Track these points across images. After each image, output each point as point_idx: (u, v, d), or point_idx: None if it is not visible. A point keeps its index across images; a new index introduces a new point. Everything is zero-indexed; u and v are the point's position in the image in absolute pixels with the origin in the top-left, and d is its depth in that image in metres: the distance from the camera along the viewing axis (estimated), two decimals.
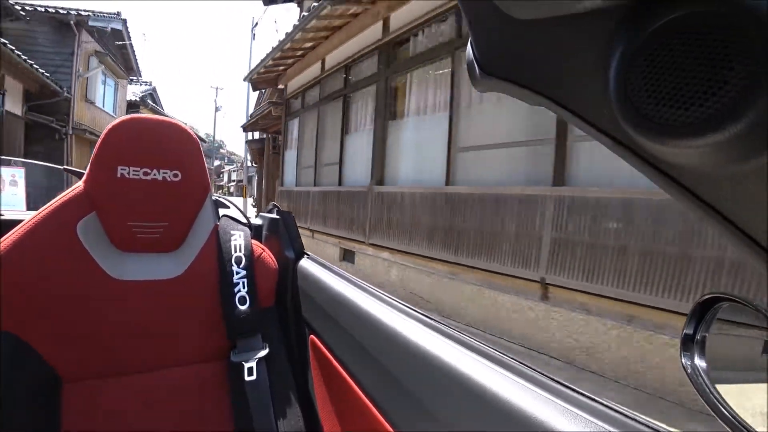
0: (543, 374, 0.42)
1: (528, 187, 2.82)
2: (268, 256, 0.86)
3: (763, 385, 0.29)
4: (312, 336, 0.80)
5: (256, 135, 12.93)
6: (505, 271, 2.91)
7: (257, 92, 11.23)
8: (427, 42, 3.97)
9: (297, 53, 6.16)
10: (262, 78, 7.68)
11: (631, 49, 0.20)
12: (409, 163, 4.20)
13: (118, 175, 0.70)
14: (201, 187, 0.79)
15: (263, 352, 0.77)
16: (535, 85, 0.27)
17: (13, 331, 0.65)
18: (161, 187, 0.73)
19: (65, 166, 1.08)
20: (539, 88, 0.27)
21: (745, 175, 0.19)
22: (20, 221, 0.70)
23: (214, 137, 39.46)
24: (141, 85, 16.44)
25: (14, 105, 7.72)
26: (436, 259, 3.57)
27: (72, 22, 9.51)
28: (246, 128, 11.77)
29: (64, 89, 8.84)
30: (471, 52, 0.31)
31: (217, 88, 31.43)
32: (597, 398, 0.37)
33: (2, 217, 0.88)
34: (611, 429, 0.33)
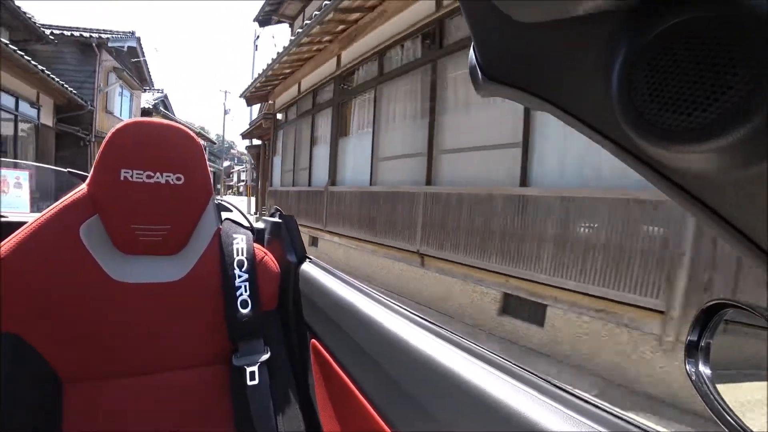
0: (541, 378, 0.42)
1: (412, 186, 4.05)
2: (270, 260, 0.85)
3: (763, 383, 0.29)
4: (313, 340, 0.80)
5: (256, 141, 14.31)
6: (399, 246, 4.13)
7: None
8: (365, 75, 5.21)
9: (280, 76, 7.45)
10: (254, 95, 9.00)
11: (634, 53, 0.19)
12: (350, 169, 5.46)
13: (122, 178, 0.70)
14: (204, 191, 0.78)
15: (265, 356, 0.77)
16: (537, 90, 0.27)
17: (16, 331, 0.65)
18: (164, 190, 0.72)
19: (69, 169, 1.18)
20: (542, 92, 0.27)
21: (748, 180, 0.18)
22: (24, 223, 0.70)
23: (223, 138, 40.93)
24: (153, 93, 17.94)
25: (47, 117, 9.15)
26: (364, 240, 4.80)
27: (94, 44, 10.92)
28: (245, 136, 13.13)
29: (88, 102, 10.23)
30: (473, 56, 0.31)
31: (225, 92, 32.95)
32: (596, 402, 0.37)
33: (6, 219, 0.89)
34: (604, 430, 0.33)
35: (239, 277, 0.78)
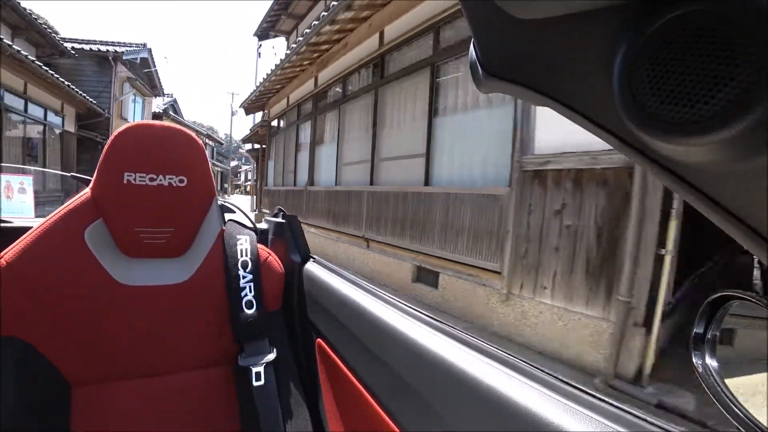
0: (550, 374, 0.42)
1: (360, 186, 5.10)
2: (274, 260, 0.85)
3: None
4: (319, 339, 0.80)
5: (257, 145, 15.49)
6: (352, 233, 5.18)
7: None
8: (333, 95, 6.27)
9: (272, 90, 8.54)
10: (252, 106, 10.11)
11: (635, 47, 0.19)
12: (323, 172, 6.52)
13: (125, 181, 0.70)
14: (207, 192, 0.78)
15: (270, 356, 0.77)
16: (538, 86, 0.27)
17: (22, 336, 0.65)
18: (167, 193, 0.72)
19: (72, 173, 1.15)
20: (543, 88, 0.27)
21: (751, 172, 0.18)
22: (29, 228, 0.71)
23: (230, 139, 42.19)
24: (163, 98, 19.22)
25: (69, 125, 10.36)
26: (330, 229, 5.87)
27: (110, 57, 12.13)
28: (245, 141, 14.30)
29: (105, 110, 11.42)
30: (473, 53, 0.31)
31: (233, 94, 34.26)
32: (605, 398, 0.37)
33: (11, 225, 0.89)
34: (619, 428, 0.33)
35: (243, 277, 0.78)
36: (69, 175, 1.19)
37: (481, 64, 0.30)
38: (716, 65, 0.17)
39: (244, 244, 0.81)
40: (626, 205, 2.23)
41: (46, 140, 9.29)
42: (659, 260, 2.17)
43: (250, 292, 0.78)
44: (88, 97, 10.29)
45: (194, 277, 0.77)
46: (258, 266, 0.80)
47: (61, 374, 0.68)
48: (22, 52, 6.95)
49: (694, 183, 0.21)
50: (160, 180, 0.72)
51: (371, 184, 4.91)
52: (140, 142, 0.71)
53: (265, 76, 7.80)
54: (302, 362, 0.87)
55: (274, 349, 0.79)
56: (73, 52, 10.81)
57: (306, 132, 7.37)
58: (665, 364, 2.50)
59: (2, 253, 0.66)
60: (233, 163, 41.29)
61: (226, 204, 0.91)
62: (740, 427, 0.28)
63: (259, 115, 14.73)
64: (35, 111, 8.76)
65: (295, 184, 7.84)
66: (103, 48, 12.09)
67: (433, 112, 3.90)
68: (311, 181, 6.89)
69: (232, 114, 34.38)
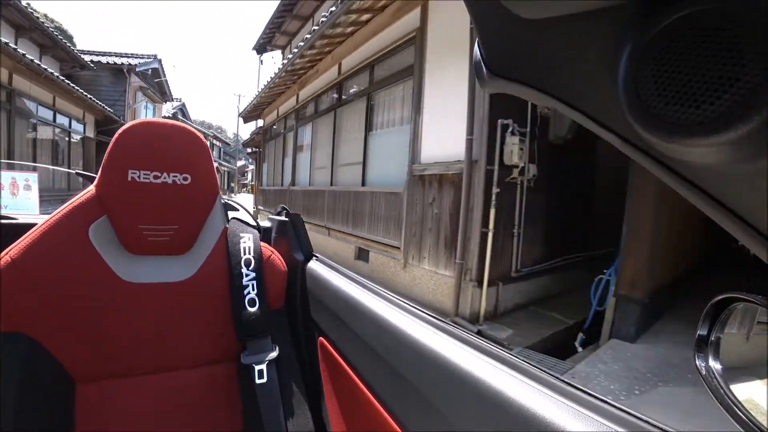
0: (553, 375, 0.41)
1: (324, 186, 6.29)
2: (277, 258, 0.85)
3: None
4: (321, 337, 0.80)
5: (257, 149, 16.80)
6: (318, 223, 6.35)
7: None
8: (309, 111, 7.47)
9: (265, 103, 9.77)
10: (250, 115, 11.37)
11: (640, 47, 0.19)
12: (302, 175, 7.72)
13: (129, 179, 0.70)
14: (210, 190, 0.78)
15: (273, 354, 0.77)
16: (543, 86, 0.27)
17: (27, 332, 0.66)
18: (171, 190, 0.73)
19: (77, 171, 1.11)
20: (547, 88, 0.26)
21: (757, 173, 0.18)
22: (34, 225, 0.70)
23: (237, 139, 43.57)
24: (172, 103, 20.64)
25: (90, 130, 11.71)
26: (305, 222, 7.06)
27: (124, 69, 13.49)
28: (245, 145, 15.58)
29: (120, 117, 12.72)
30: (478, 52, 0.31)
31: (239, 96, 35.46)
32: (607, 400, 0.36)
33: (17, 221, 0.90)
34: (620, 430, 0.33)
35: (246, 275, 0.78)
36: (74, 172, 1.17)
37: (485, 64, 0.30)
38: (722, 66, 0.16)
39: (247, 242, 0.81)
40: (464, 197, 3.37)
41: (70, 145, 10.64)
42: (484, 236, 3.30)
43: (253, 290, 0.78)
44: (105, 106, 11.62)
45: (197, 275, 0.77)
46: (261, 264, 0.80)
47: (66, 371, 0.68)
48: (55, 73, 8.26)
49: (698, 184, 0.21)
50: (164, 178, 0.72)
51: (331, 184, 6.10)
52: (144, 139, 0.71)
53: (262, 88, 9.03)
54: (304, 360, 0.87)
55: (277, 347, 0.78)
56: (92, 65, 12.17)
57: (290, 140, 8.58)
58: (507, 313, 3.61)
59: (7, 250, 0.66)
60: (240, 163, 42.54)
61: (229, 202, 0.91)
62: (743, 428, 0.27)
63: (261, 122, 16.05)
64: (62, 120, 10.09)
65: (282, 185, 9.06)
66: (119, 60, 13.46)
67: (367, 129, 5.07)
68: (293, 182, 8.10)
69: (239, 115, 35.53)
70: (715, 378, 0.31)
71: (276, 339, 0.80)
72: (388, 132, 4.73)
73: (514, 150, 3.15)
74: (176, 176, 0.73)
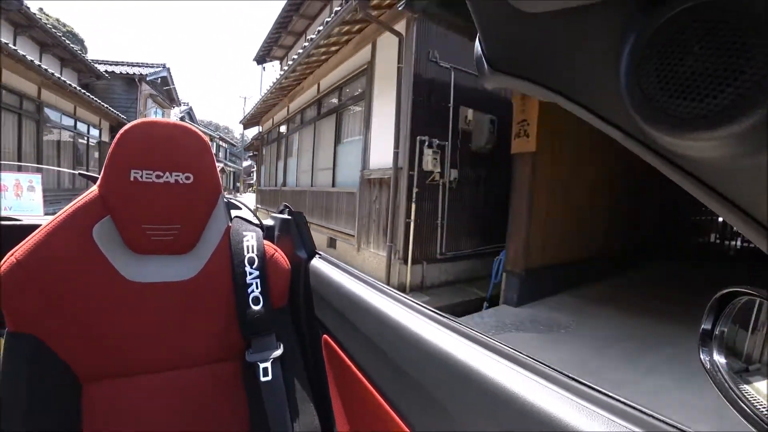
0: (560, 372, 0.41)
1: (306, 187, 7.34)
2: (281, 257, 0.86)
3: None
4: (325, 335, 0.81)
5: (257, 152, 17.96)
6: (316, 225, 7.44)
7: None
8: (297, 122, 8.52)
9: (262, 111, 10.87)
10: (249, 122, 12.48)
11: (643, 40, 0.19)
12: (290, 177, 8.80)
13: (132, 179, 0.70)
14: (213, 189, 0.79)
15: (277, 352, 0.77)
16: (544, 80, 0.27)
17: (33, 332, 0.66)
18: (174, 190, 0.73)
19: (80, 171, 1.08)
20: (549, 83, 0.26)
21: (760, 167, 0.18)
22: (38, 226, 0.71)
23: (243, 140, 44.72)
24: (181, 107, 21.90)
25: (105, 135, 12.90)
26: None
27: (136, 79, 14.69)
28: (246, 148, 16.71)
29: None
30: (479, 47, 0.30)
31: (245, 98, 36.68)
32: (614, 395, 0.36)
33: (21, 222, 0.90)
34: (629, 426, 0.32)
35: (250, 274, 0.78)
36: (77, 173, 1.18)
37: (486, 60, 0.30)
38: (726, 59, 0.16)
39: (250, 240, 0.82)
40: (392, 196, 4.39)
41: (88, 148, 11.84)
42: (407, 225, 4.31)
43: (257, 288, 0.78)
44: (119, 114, 12.81)
45: (201, 274, 0.78)
46: (264, 263, 0.81)
47: (72, 370, 0.68)
48: (78, 87, 9.43)
49: (702, 178, 0.21)
50: (167, 177, 0.72)
51: (311, 186, 7.16)
52: (147, 139, 0.71)
53: (259, 99, 10.12)
54: (309, 358, 0.88)
55: (281, 345, 0.79)
56: (106, 75, 13.37)
57: (282, 146, 9.67)
58: (433, 287, 4.61)
59: (12, 251, 0.67)
60: (246, 164, 43.55)
61: (232, 200, 0.92)
62: (748, 424, 0.27)
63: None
64: (81, 127, 11.29)
65: (276, 186, 10.15)
66: (130, 70, 14.66)
67: (336, 141, 6.12)
68: (284, 183, 9.18)
69: (240, 122, 36.72)
70: (720, 372, 0.30)
71: (280, 337, 0.80)
72: (350, 143, 5.78)
73: (429, 159, 4.16)
74: (178, 175, 0.73)
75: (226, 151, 34.59)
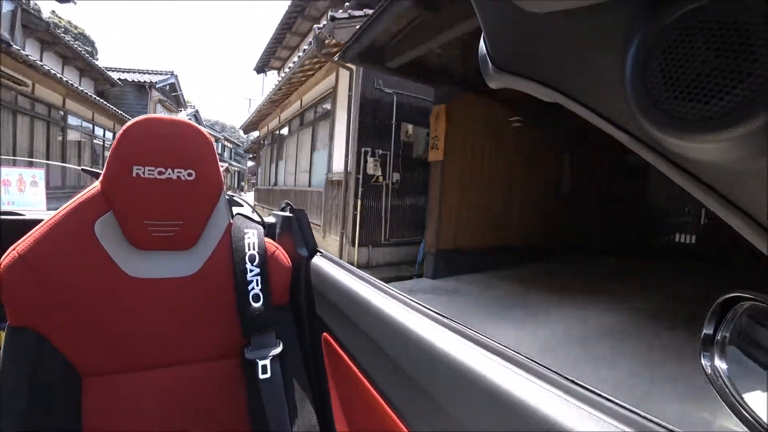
0: (559, 374, 0.41)
1: (292, 187, 8.63)
2: (282, 254, 0.86)
3: None
4: (325, 333, 0.81)
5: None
6: None
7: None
8: (286, 130, 9.81)
9: (259, 119, 12.18)
10: (248, 127, 13.83)
11: (649, 41, 0.19)
12: (279, 178, 10.11)
13: (134, 175, 0.70)
14: (215, 186, 0.79)
15: (277, 350, 0.78)
16: (548, 80, 0.26)
17: (35, 327, 0.66)
18: (176, 186, 0.73)
19: (82, 167, 1.07)
20: (553, 83, 0.26)
21: (766, 171, 0.17)
22: (40, 221, 0.71)
23: (247, 140, 45.95)
24: (187, 110, 23.34)
25: None
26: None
27: (146, 86, 16.09)
28: (246, 151, 18.06)
29: None
30: (483, 47, 0.30)
31: (249, 99, 38.07)
32: (614, 399, 0.36)
33: (23, 217, 0.90)
34: (624, 428, 0.33)
35: (251, 271, 0.79)
36: (80, 168, 1.20)
37: (491, 59, 0.30)
38: (732, 60, 0.16)
39: (251, 237, 0.82)
40: (344, 194, 5.65)
41: (104, 150, 13.24)
42: (355, 216, 5.56)
43: (257, 285, 0.79)
44: (130, 118, 14.08)
45: (202, 270, 0.78)
46: (265, 260, 0.81)
47: (72, 365, 0.69)
48: (97, 98, 10.82)
49: (707, 181, 0.21)
50: (169, 173, 0.72)
51: (295, 185, 8.45)
52: (149, 135, 0.71)
53: (260, 103, 11.43)
54: (309, 356, 0.88)
55: (281, 343, 0.79)
56: (119, 82, 14.77)
57: (274, 150, 10.99)
58: (378, 266, 5.85)
59: (14, 245, 0.67)
60: (250, 163, 44.71)
61: (234, 198, 0.92)
62: (748, 428, 0.27)
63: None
64: (99, 132, 12.68)
65: (269, 185, 11.47)
66: (141, 78, 16.06)
67: (311, 149, 7.40)
68: (275, 183, 10.49)
69: (240, 127, 37.92)
70: (721, 377, 0.30)
71: (280, 334, 0.80)
72: (321, 152, 7.05)
73: (371, 166, 5.42)
74: (180, 172, 0.73)
75: (231, 150, 35.97)
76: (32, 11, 10.05)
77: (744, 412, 0.28)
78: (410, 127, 5.86)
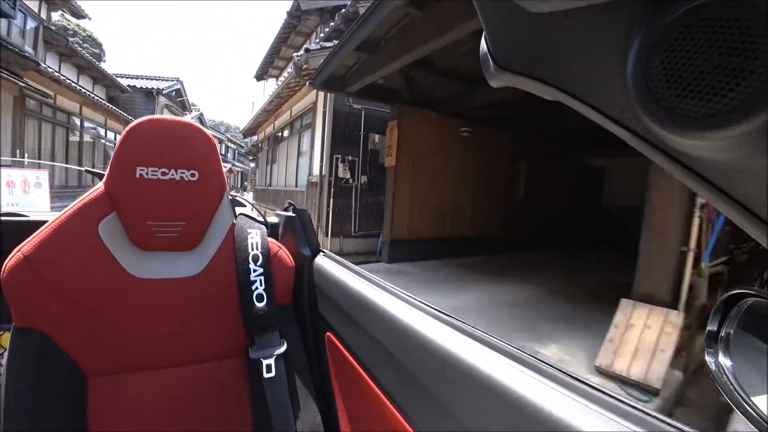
0: (564, 372, 0.41)
1: (282, 187, 9.74)
2: (285, 254, 0.86)
3: None
4: (328, 333, 0.82)
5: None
6: (274, 209, 9.84)
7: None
8: (279, 136, 10.91)
9: (256, 126, 13.30)
10: (248, 132, 14.96)
11: (651, 39, 0.19)
12: (273, 179, 11.21)
13: (137, 176, 0.71)
14: (218, 187, 0.79)
15: (281, 349, 0.78)
16: (551, 79, 0.26)
17: (40, 327, 0.67)
18: (179, 187, 0.74)
19: (86, 168, 1.07)
20: (555, 81, 0.26)
21: None
22: (45, 222, 0.71)
23: (250, 142, 47.14)
24: (192, 113, 24.55)
25: None
26: (271, 209, 10.61)
27: (154, 92, 17.27)
28: (246, 154, 19.19)
29: None
30: (485, 46, 0.30)
31: (252, 102, 39.27)
32: (620, 397, 0.36)
33: (28, 218, 0.91)
34: (633, 427, 0.33)
35: (254, 271, 0.79)
36: (83, 169, 1.24)
37: (492, 58, 0.30)
38: (735, 58, 0.16)
39: (254, 237, 0.83)
40: (319, 193, 6.72)
41: None
42: (328, 212, 6.63)
43: (261, 285, 0.79)
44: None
45: (205, 271, 0.79)
46: (268, 260, 0.81)
47: (77, 366, 0.69)
48: (111, 106, 11.99)
49: (710, 179, 0.21)
50: (172, 174, 0.72)
51: (284, 186, 9.56)
52: (152, 136, 0.71)
53: (254, 114, 12.55)
54: (312, 356, 0.88)
55: (284, 342, 0.79)
56: (129, 89, 15.96)
57: (269, 154, 12.11)
58: (350, 254, 6.91)
59: (19, 246, 0.68)
60: (253, 165, 45.81)
61: (237, 198, 0.93)
62: (754, 426, 0.27)
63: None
64: (110, 136, 13.86)
65: (265, 185, 12.59)
66: (149, 84, 17.25)
67: (298, 155, 8.49)
68: (270, 184, 11.61)
69: (240, 131, 39.03)
70: (725, 375, 0.30)
71: (284, 334, 0.81)
72: (305, 157, 8.13)
73: (341, 170, 6.49)
74: (184, 173, 0.73)
75: (234, 151, 37.14)
76: (52, 27, 11.24)
77: (749, 410, 0.28)
78: (377, 137, 6.92)
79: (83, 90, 10.45)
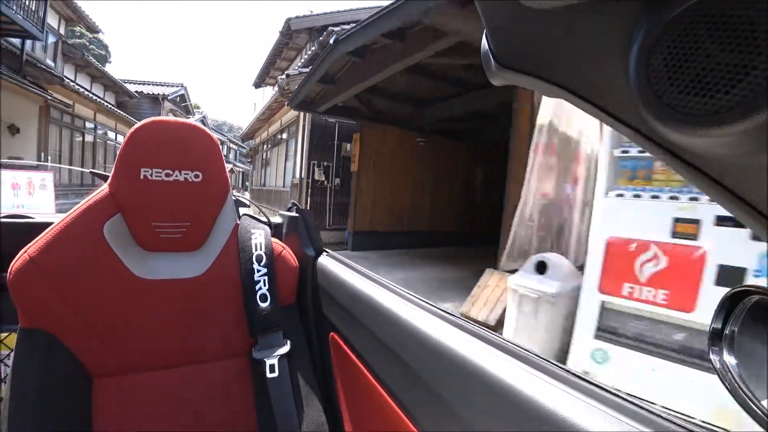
0: (569, 372, 0.41)
1: (273, 187, 11.05)
2: (288, 254, 0.87)
3: None
4: (332, 333, 0.82)
5: None
6: (270, 207, 11.10)
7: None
8: (271, 142, 12.22)
9: (253, 131, 14.62)
10: (247, 135, 16.29)
11: (653, 36, 0.19)
12: (268, 180, 12.52)
13: (141, 177, 0.71)
14: (221, 187, 0.80)
15: (284, 349, 0.79)
16: (552, 77, 0.26)
17: (46, 328, 0.67)
18: (183, 188, 0.74)
19: (91, 170, 1.11)
20: (556, 79, 0.26)
21: None
22: (50, 224, 0.72)
23: (253, 142, 48.28)
24: (195, 116, 25.89)
25: None
26: (265, 207, 11.93)
27: (159, 97, 18.60)
28: (245, 156, 20.52)
29: None
30: (486, 43, 0.30)
31: (255, 104, 40.42)
32: (626, 396, 0.36)
33: (33, 220, 0.92)
34: (640, 427, 0.32)
35: (258, 271, 0.80)
36: (88, 171, 1.22)
37: (493, 56, 0.30)
38: (737, 54, 0.16)
39: (258, 238, 0.83)
40: (299, 193, 8.02)
41: None
42: (307, 206, 7.92)
43: (265, 285, 0.80)
44: None
45: (210, 271, 0.79)
46: (272, 260, 0.82)
47: (83, 366, 0.69)
48: (122, 113, 13.35)
49: (713, 176, 0.21)
50: (176, 175, 0.73)
51: (275, 186, 10.87)
52: (156, 138, 0.72)
53: (251, 121, 13.87)
54: (316, 355, 0.89)
55: (288, 342, 0.80)
56: (136, 95, 17.31)
57: (264, 158, 13.44)
58: (324, 245, 8.15)
59: (25, 248, 0.68)
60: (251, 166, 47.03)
61: (240, 199, 0.93)
62: (759, 424, 0.27)
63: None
64: (120, 139, 15.19)
65: (260, 186, 13.92)
66: (155, 90, 18.58)
67: (285, 159, 9.80)
68: (263, 184, 12.94)
69: (240, 135, 40.41)
70: (730, 372, 0.30)
71: (287, 334, 0.81)
72: (290, 161, 9.44)
73: (317, 173, 7.79)
74: (188, 174, 0.74)
75: (236, 152, 38.41)
76: (69, 42, 12.58)
77: (755, 408, 0.27)
78: (348, 145, 8.20)
79: (97, 98, 11.78)
